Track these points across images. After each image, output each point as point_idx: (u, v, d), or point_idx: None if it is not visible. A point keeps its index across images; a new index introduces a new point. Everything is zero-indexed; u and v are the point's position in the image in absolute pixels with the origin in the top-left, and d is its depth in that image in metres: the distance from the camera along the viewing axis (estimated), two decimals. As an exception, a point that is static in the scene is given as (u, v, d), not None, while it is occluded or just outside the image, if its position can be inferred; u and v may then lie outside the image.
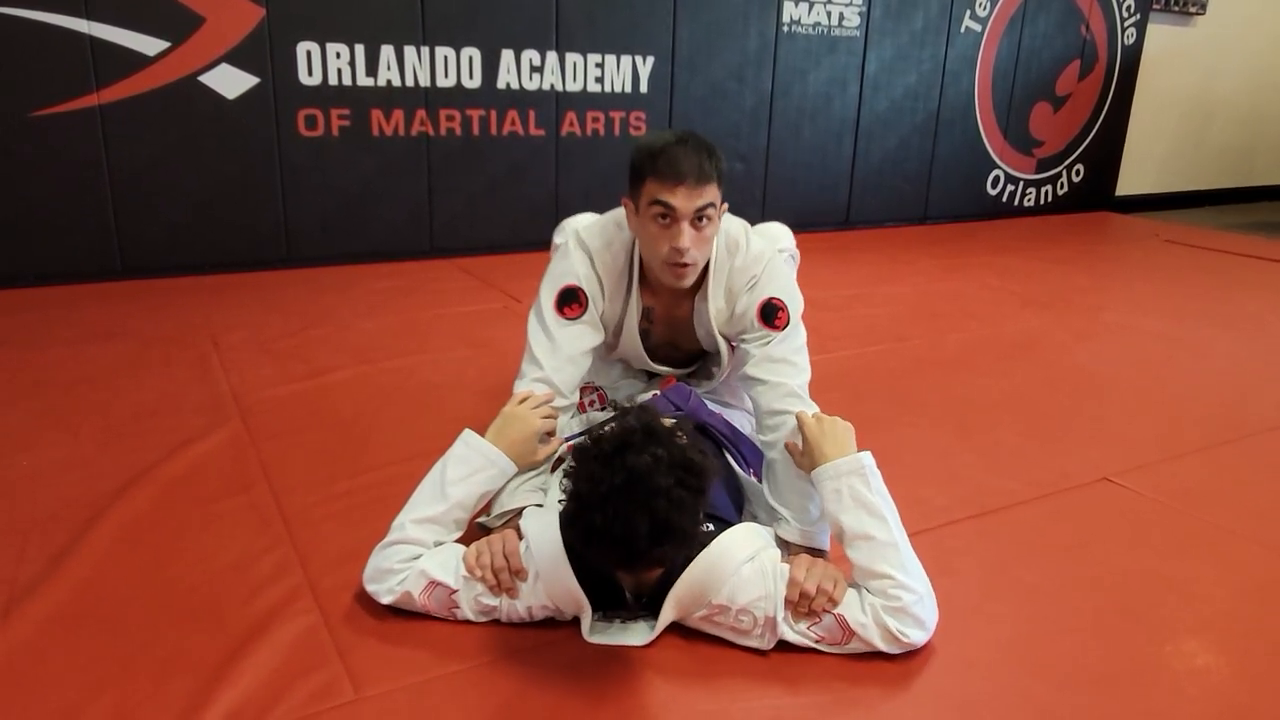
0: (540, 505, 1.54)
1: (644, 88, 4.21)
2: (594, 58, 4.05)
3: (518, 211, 4.09)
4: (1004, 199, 5.67)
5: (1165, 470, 2.14)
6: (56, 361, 2.53)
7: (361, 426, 2.19)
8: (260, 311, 3.09)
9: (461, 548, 1.45)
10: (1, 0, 2.98)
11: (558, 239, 1.95)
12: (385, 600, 1.42)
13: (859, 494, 1.42)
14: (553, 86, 3.99)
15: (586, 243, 1.72)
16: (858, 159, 4.97)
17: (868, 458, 1.46)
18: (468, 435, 1.53)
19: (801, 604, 1.35)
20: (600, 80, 4.09)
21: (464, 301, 3.35)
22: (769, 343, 1.68)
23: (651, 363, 1.88)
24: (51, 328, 2.82)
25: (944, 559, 1.70)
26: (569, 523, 1.25)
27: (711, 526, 1.40)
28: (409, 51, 3.65)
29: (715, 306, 1.73)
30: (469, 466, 1.49)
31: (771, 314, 1.69)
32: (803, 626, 1.36)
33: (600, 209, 1.88)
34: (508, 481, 1.56)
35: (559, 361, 1.66)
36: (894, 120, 5.02)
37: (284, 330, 2.89)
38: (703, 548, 1.35)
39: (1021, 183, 5.70)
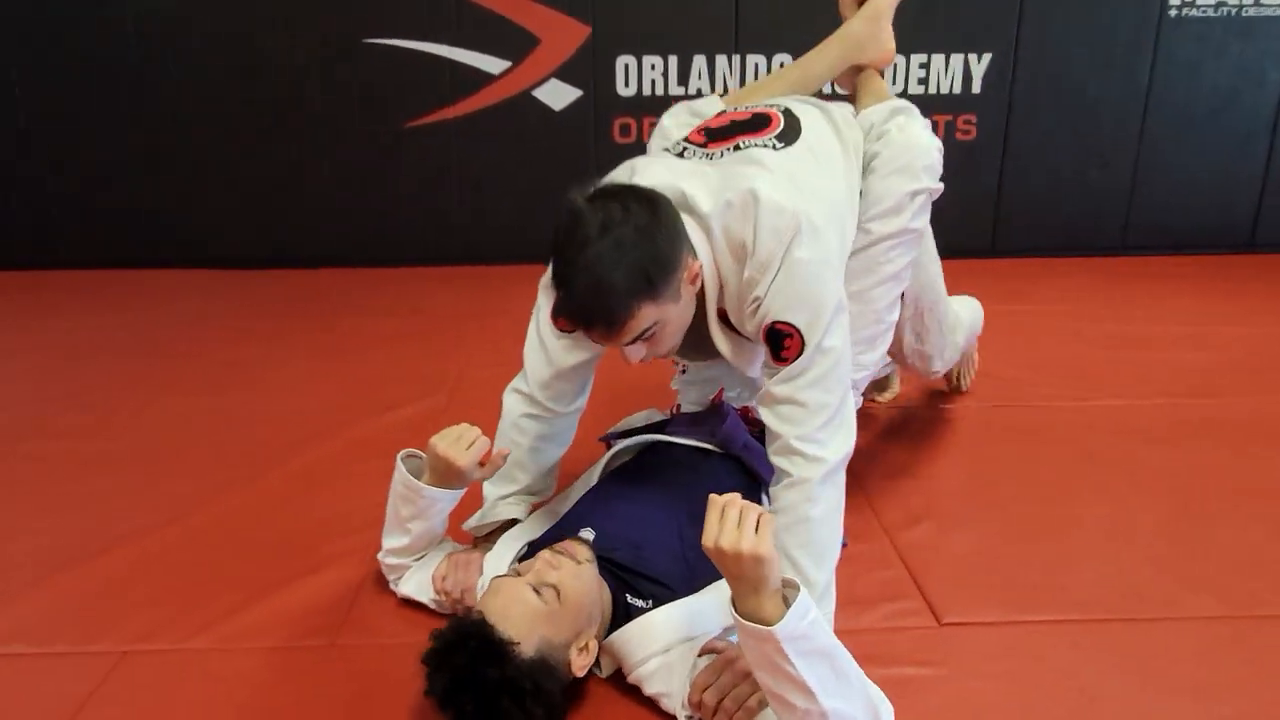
0: (519, 520, 1.62)
1: (976, 87, 3.86)
2: (918, 58, 3.82)
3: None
4: None
5: None
6: (360, 328, 3.13)
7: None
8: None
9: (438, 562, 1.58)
10: (388, 33, 3.70)
11: None
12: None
13: (775, 663, 1.13)
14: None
15: None
16: (1272, 167, 4.02)
17: (786, 627, 1.10)
18: (406, 477, 1.51)
19: (704, 713, 1.26)
20: (924, 81, 3.84)
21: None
22: (775, 375, 1.40)
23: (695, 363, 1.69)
24: (379, 300, 3.47)
25: (1018, 663, 1.46)
26: None
27: (648, 602, 1.36)
28: (720, 60, 3.78)
29: (735, 319, 1.46)
30: (415, 506, 1.52)
31: (777, 344, 1.37)
32: None
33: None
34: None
35: (548, 376, 1.57)
36: (1337, 119, 3.97)
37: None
38: (626, 620, 1.36)
39: None
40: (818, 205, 1.42)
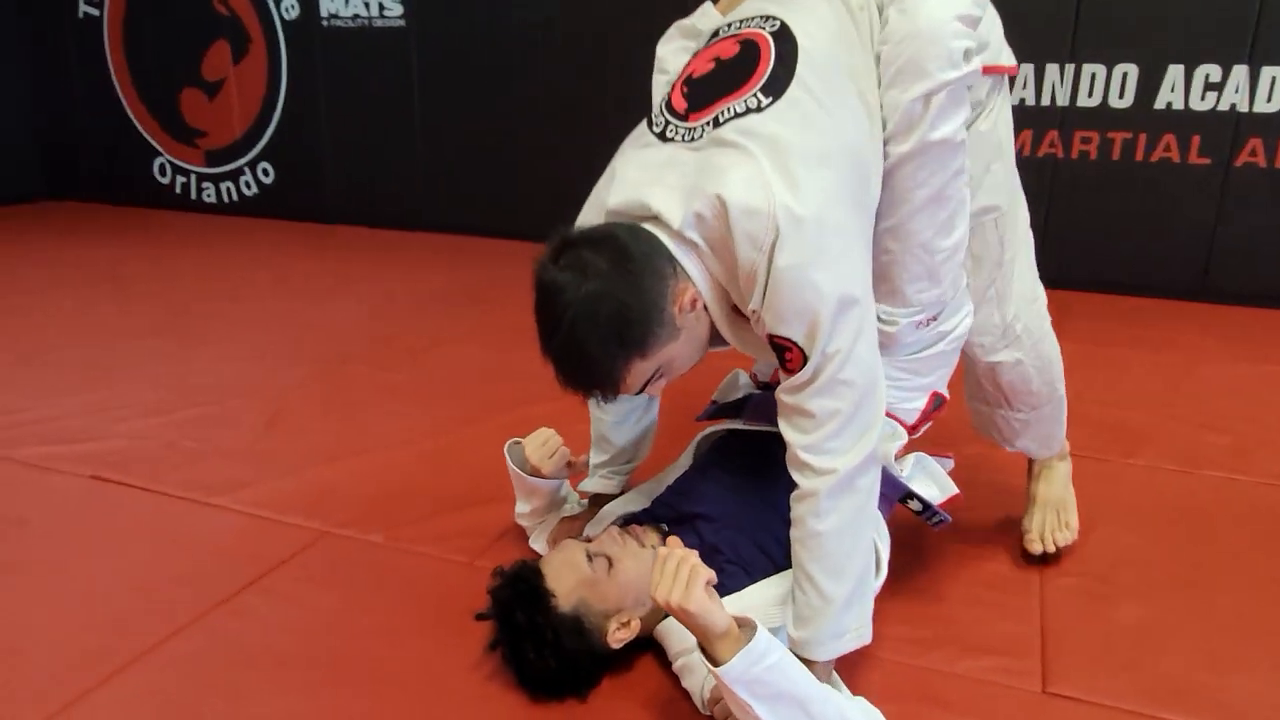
0: (615, 496, 1.74)
1: (1324, 107, 3.19)
2: (1208, 68, 3.26)
3: (1158, 250, 3.57)
4: None
5: None
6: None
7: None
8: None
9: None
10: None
11: None
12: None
13: (737, 703, 1.16)
14: (1233, 107, 3.33)
15: None
16: None
17: (732, 670, 1.12)
18: (511, 467, 1.68)
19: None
20: (1223, 93, 3.27)
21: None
22: (783, 383, 1.30)
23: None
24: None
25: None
26: None
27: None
28: (1050, 69, 3.50)
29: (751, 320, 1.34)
30: (524, 489, 1.70)
31: (779, 354, 1.27)
32: None
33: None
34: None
35: None
36: None
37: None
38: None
39: None
40: (806, 177, 1.21)
